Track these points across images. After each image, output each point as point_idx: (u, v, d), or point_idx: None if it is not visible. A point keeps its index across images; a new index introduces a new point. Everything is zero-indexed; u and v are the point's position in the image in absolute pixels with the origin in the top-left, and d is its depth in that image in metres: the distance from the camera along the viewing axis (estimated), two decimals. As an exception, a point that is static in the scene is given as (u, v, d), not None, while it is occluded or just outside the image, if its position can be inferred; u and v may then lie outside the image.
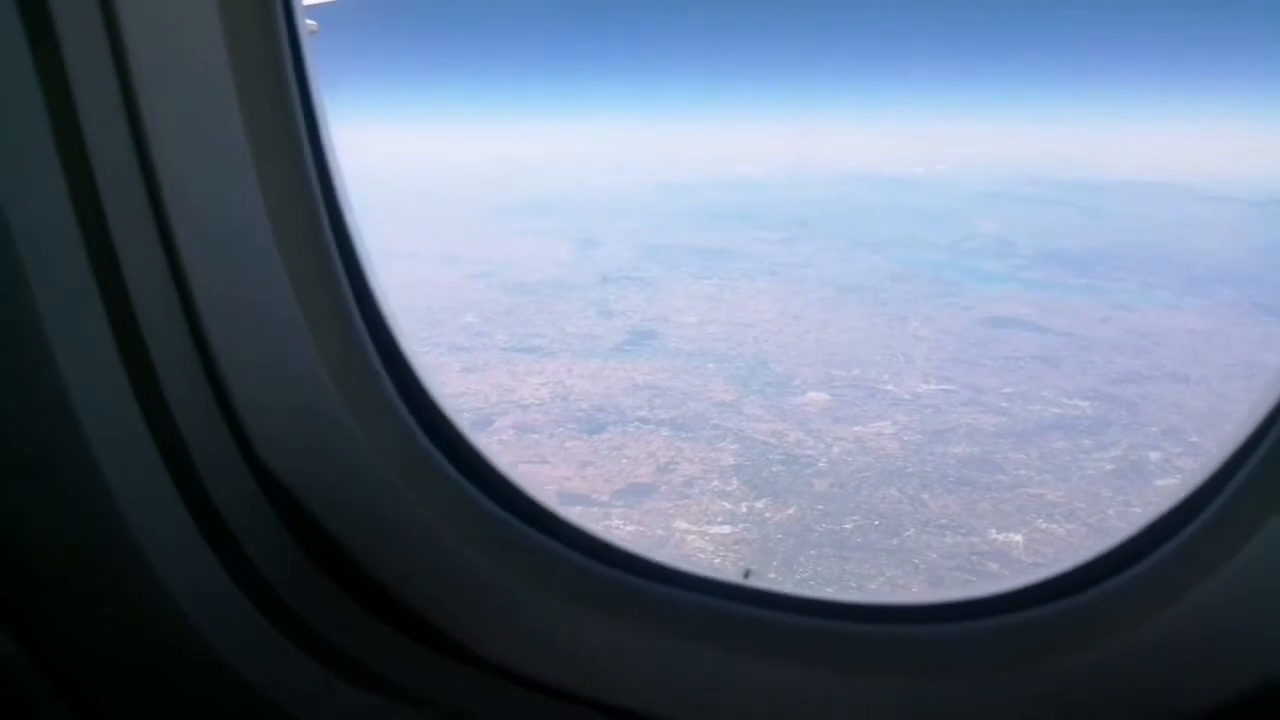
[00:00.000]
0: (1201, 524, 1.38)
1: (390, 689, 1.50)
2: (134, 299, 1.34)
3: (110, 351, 1.33)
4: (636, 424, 40.03)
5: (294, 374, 1.52)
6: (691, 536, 29.84)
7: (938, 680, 1.46)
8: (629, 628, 1.56)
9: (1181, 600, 1.34)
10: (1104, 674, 1.38)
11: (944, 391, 44.84)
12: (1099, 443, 37.75)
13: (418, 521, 1.58)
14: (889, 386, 45.70)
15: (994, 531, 30.35)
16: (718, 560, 28.16)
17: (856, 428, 39.66)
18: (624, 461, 35.94)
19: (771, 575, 27.07)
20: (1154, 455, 36.46)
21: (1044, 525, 30.75)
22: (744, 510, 31.55)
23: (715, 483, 33.70)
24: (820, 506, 31.82)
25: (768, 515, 31.24)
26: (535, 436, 39.03)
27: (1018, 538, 29.90)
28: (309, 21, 1.51)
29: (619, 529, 29.40)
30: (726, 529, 30.51)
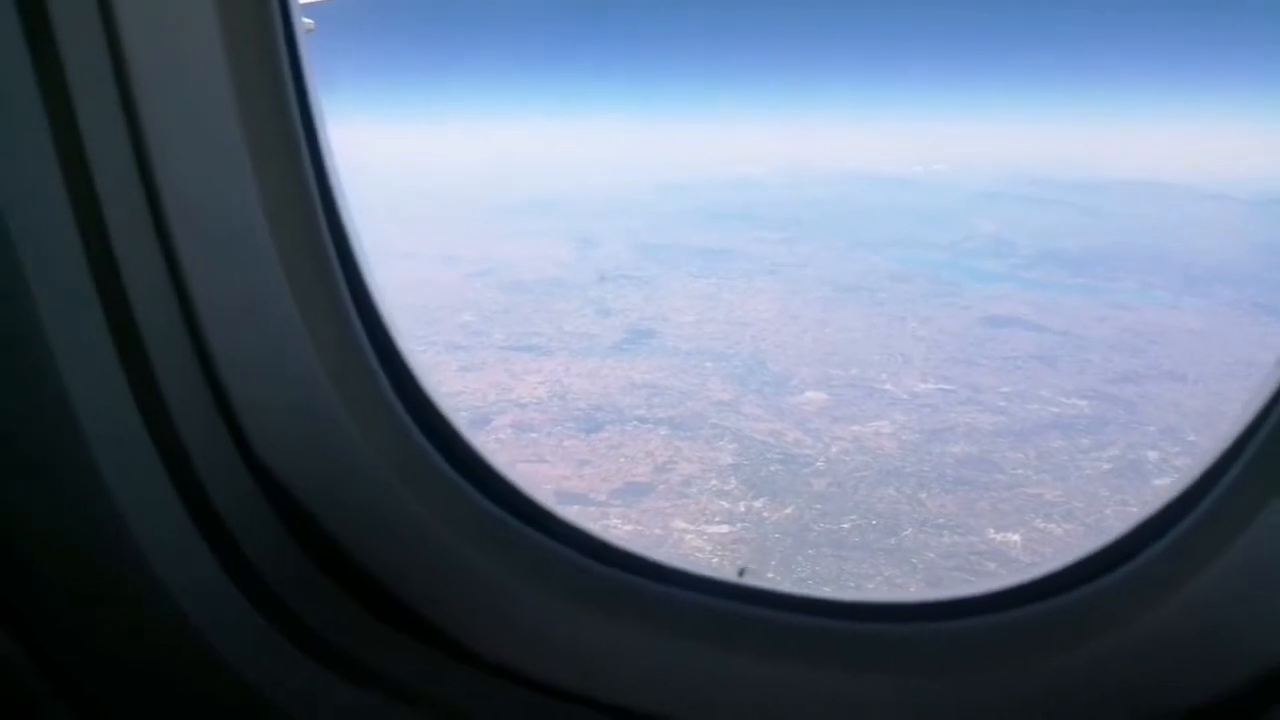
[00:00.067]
0: (1192, 521, 1.39)
1: (388, 687, 1.51)
2: (132, 300, 1.34)
3: (109, 352, 1.33)
4: (634, 423, 40.08)
5: (292, 374, 1.53)
6: (689, 536, 29.87)
7: (935, 678, 1.47)
8: (627, 626, 1.57)
9: (1174, 596, 1.35)
10: (1098, 671, 1.39)
11: (942, 391, 44.91)
12: (1097, 442, 37.83)
13: (415, 520, 1.58)
14: (887, 386, 45.76)
15: (992, 531, 30.40)
16: (716, 559, 28.19)
17: (854, 427, 39.72)
18: (622, 460, 35.97)
19: (770, 574, 27.11)
20: (1152, 454, 36.54)
21: (1042, 524, 30.81)
22: (742, 509, 31.59)
23: (713, 482, 33.74)
24: (818, 506, 31.86)
25: (766, 514, 31.28)
26: (533, 435, 39.06)
27: (1016, 537, 29.95)
28: (306, 20, 1.52)
29: (617, 528, 29.43)
30: (725, 528, 30.55)
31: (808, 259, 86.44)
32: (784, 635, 1.54)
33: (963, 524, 30.96)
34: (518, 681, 1.54)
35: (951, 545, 29.69)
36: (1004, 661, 1.44)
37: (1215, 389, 43.21)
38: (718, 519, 31.03)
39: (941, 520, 31.11)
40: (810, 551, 28.91)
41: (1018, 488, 33.55)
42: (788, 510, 31.44)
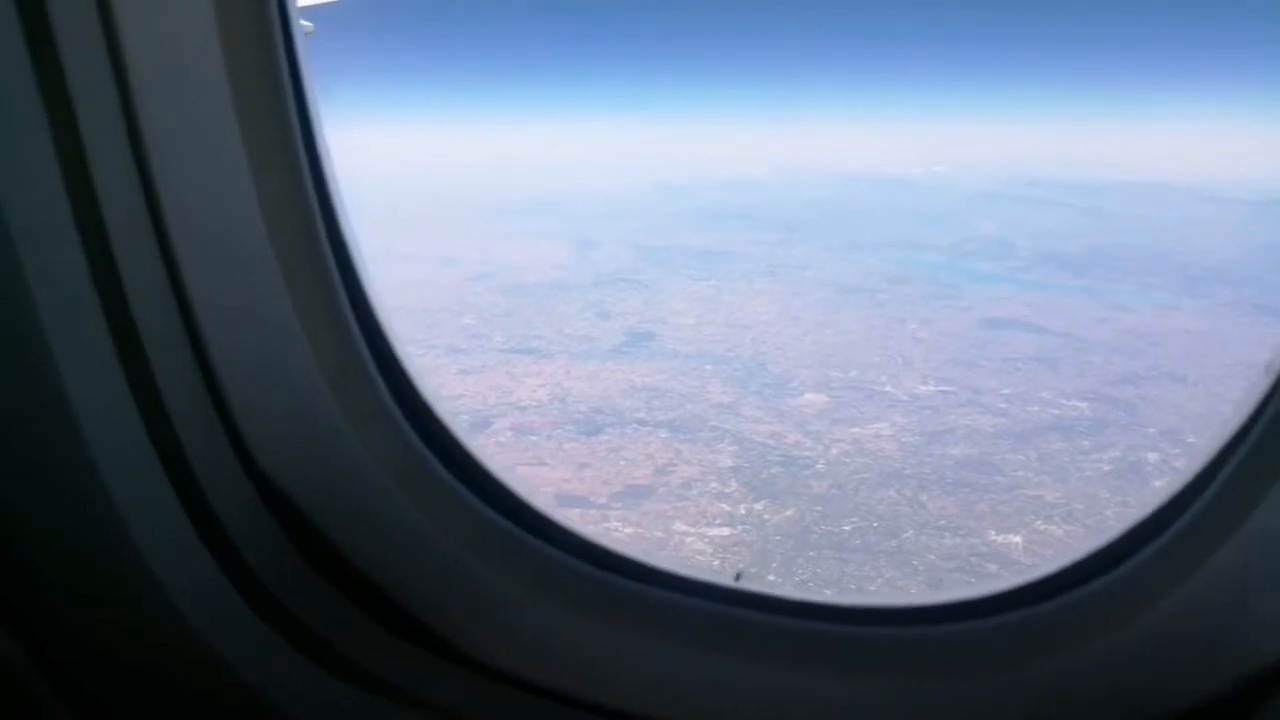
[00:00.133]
0: (1187, 522, 1.39)
1: (388, 692, 1.51)
2: (132, 302, 1.35)
3: (109, 355, 1.33)
4: (634, 426, 40.05)
5: (290, 379, 1.53)
6: (690, 539, 29.85)
7: (934, 681, 1.47)
8: (627, 632, 1.56)
9: (1169, 598, 1.35)
10: (1093, 672, 1.39)
11: (942, 393, 44.88)
12: (1097, 444, 37.80)
13: (414, 527, 1.58)
14: (887, 388, 45.74)
15: (993, 533, 30.37)
16: (717, 562, 28.17)
17: (855, 429, 39.69)
18: (622, 463, 35.94)
19: (771, 577, 27.09)
20: (1152, 456, 36.52)
21: (1042, 526, 30.79)
22: (743, 512, 31.56)
23: (714, 484, 33.72)
24: (819, 508, 31.83)
25: (766, 517, 31.25)
26: (533, 438, 39.02)
27: (1016, 539, 29.93)
28: (304, 23, 1.52)
29: (617, 531, 29.42)
30: (725, 531, 30.52)
31: (807, 260, 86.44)
32: (785, 639, 1.54)
33: (963, 526, 30.93)
34: (518, 687, 1.54)
35: (952, 547, 29.66)
36: (999, 664, 1.44)
37: (1215, 390, 43.18)
38: (718, 521, 31.00)
39: (942, 522, 31.09)
40: (811, 554, 28.88)
41: (1018, 489, 33.52)
42: (788, 512, 31.42)
